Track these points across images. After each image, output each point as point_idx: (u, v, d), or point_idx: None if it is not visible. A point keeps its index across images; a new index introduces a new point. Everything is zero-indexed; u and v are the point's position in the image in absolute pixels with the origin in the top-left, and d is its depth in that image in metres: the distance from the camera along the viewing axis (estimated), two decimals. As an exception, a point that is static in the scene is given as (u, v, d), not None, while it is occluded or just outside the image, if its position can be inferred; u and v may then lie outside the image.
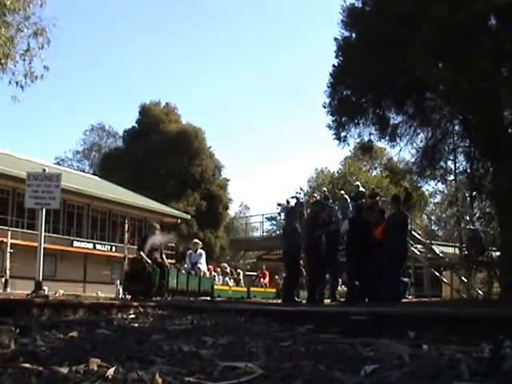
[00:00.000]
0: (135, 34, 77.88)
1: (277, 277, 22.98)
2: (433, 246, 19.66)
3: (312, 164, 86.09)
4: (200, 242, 14.21)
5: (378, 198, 15.10)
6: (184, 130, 42.23)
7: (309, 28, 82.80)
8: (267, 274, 22.61)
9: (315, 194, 20.44)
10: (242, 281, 20.40)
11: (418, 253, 18.33)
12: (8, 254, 16.59)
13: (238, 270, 21.36)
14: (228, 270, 18.91)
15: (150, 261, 10.21)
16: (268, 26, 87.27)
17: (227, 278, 17.80)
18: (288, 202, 22.44)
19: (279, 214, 23.90)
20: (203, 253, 14.00)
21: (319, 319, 3.50)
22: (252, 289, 18.96)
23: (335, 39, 12.02)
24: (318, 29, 78.96)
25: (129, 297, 10.27)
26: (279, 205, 22.93)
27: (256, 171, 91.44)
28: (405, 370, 1.51)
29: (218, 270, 17.95)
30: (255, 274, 23.91)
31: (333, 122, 12.07)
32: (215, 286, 15.04)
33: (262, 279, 21.80)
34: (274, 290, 20.12)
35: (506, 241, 10.17)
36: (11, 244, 17.16)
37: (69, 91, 76.41)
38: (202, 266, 13.78)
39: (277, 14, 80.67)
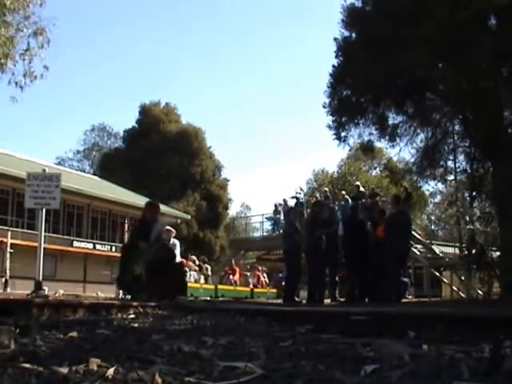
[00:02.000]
0: (135, 34, 77.97)
1: (249, 274, 21.81)
2: (433, 246, 19.68)
3: (314, 164, 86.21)
4: (173, 230, 11.63)
5: (377, 198, 15.11)
6: (184, 129, 42.23)
7: (309, 28, 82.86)
8: (237, 270, 20.85)
9: (316, 194, 20.41)
10: (210, 277, 18.93)
11: (418, 253, 18.33)
12: (8, 254, 16.56)
13: (206, 265, 19.28)
14: (197, 263, 17.47)
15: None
16: (268, 25, 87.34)
17: (196, 274, 16.57)
18: (276, 206, 22.30)
19: (275, 214, 23.54)
20: (177, 243, 11.68)
21: (319, 319, 3.50)
22: (220, 287, 17.30)
23: (335, 39, 12.03)
24: (318, 29, 79.03)
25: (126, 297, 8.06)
26: (280, 204, 22.78)
27: (257, 171, 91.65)
28: (405, 370, 1.50)
29: (191, 264, 16.35)
30: (225, 269, 22.02)
31: (333, 122, 12.07)
32: (188, 284, 13.08)
33: (231, 276, 19.88)
34: (246, 289, 18.76)
35: (506, 241, 10.17)
36: (11, 244, 17.13)
37: (69, 91, 76.55)
38: (177, 258, 11.30)
39: (277, 14, 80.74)
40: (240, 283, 20.18)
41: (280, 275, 22.77)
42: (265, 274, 22.71)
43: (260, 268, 23.13)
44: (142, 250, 7.86)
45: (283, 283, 21.42)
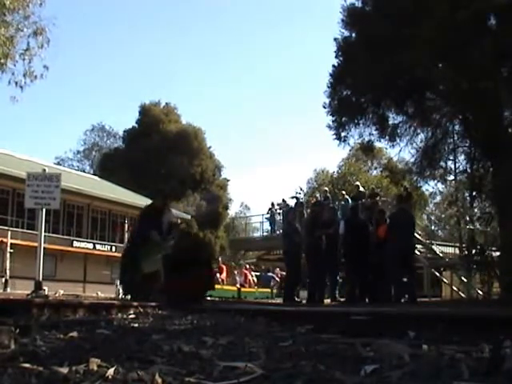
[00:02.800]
0: (135, 34, 77.92)
1: (236, 272, 21.78)
2: (433, 246, 19.65)
3: (314, 164, 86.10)
4: None
5: (377, 198, 15.12)
6: (184, 129, 42.27)
7: (309, 28, 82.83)
8: (224, 268, 20.54)
9: (316, 194, 20.40)
10: None
11: (418, 253, 18.31)
12: (8, 254, 16.57)
13: None
14: None
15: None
16: (268, 25, 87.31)
17: None
18: (272, 205, 22.08)
19: (271, 214, 23.42)
20: None
21: (319, 319, 3.50)
22: None
23: (335, 39, 12.02)
24: (318, 29, 79.00)
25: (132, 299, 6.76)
26: (279, 204, 22.75)
27: (256, 171, 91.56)
28: (405, 370, 1.50)
29: None
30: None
31: (333, 122, 12.06)
32: None
33: (218, 274, 18.95)
34: (232, 289, 18.34)
35: (506, 241, 10.17)
36: (11, 244, 17.14)
37: (69, 91, 76.52)
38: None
39: (277, 14, 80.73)
40: (227, 282, 19.88)
41: (269, 274, 22.63)
42: (252, 273, 22.48)
43: (247, 266, 22.89)
44: (154, 243, 6.75)
45: (271, 283, 21.29)
